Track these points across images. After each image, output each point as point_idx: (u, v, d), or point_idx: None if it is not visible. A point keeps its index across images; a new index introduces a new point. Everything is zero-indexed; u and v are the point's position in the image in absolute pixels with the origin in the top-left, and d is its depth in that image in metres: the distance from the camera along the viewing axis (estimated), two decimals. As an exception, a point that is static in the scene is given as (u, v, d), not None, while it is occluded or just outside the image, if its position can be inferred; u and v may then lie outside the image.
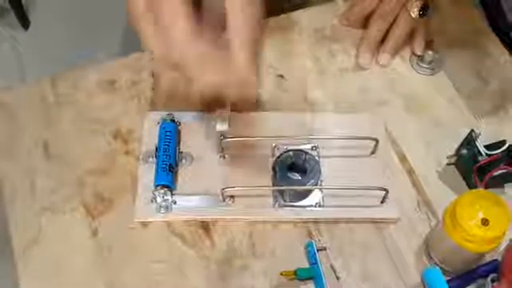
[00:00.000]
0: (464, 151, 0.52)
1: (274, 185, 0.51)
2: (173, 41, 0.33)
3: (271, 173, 0.52)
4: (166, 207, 0.50)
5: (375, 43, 0.59)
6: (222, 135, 0.53)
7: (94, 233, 0.50)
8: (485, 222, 0.43)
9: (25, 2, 1.42)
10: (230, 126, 0.54)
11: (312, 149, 0.53)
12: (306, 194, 0.51)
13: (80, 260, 0.48)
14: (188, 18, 0.32)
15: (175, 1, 0.32)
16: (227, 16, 0.33)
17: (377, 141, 0.52)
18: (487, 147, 0.51)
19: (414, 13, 0.58)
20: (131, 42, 0.52)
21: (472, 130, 0.52)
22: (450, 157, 0.53)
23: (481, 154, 0.51)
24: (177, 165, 0.52)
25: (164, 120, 0.54)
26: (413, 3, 0.58)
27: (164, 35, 0.33)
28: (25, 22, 1.41)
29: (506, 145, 0.50)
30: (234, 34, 0.33)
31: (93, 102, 0.56)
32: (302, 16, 0.63)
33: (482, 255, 0.47)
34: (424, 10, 0.58)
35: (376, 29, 0.59)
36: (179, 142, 0.53)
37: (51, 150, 0.54)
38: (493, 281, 0.47)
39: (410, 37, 0.60)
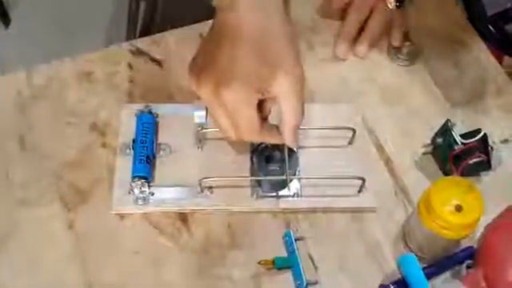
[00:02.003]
0: (440, 140, 0.52)
1: (252, 175, 0.51)
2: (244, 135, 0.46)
3: (249, 163, 0.52)
4: (144, 199, 0.50)
5: (352, 34, 0.60)
6: (200, 126, 0.53)
7: (71, 225, 0.49)
8: (458, 208, 0.44)
9: (5, -1, 1.40)
10: (207, 117, 0.54)
11: (290, 139, 0.53)
12: (284, 184, 0.51)
13: (57, 252, 0.48)
14: (257, 122, 0.45)
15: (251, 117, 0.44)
16: (282, 109, 0.45)
17: (354, 131, 0.53)
18: (463, 136, 0.51)
19: (391, 4, 0.58)
20: (111, 40, 0.52)
21: (448, 120, 0.52)
22: (427, 146, 0.54)
23: (456, 143, 0.51)
24: (154, 156, 0.52)
25: (141, 112, 0.53)
26: None
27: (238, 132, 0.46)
28: (5, 20, 1.39)
29: (481, 133, 0.51)
30: (285, 124, 0.46)
31: (69, 94, 0.56)
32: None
33: (457, 242, 0.48)
34: (401, 1, 0.58)
35: (353, 20, 0.59)
36: (157, 134, 0.53)
37: (27, 143, 0.53)
38: (468, 267, 0.47)
39: (387, 28, 0.60)
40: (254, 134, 0.46)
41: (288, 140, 0.47)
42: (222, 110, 0.44)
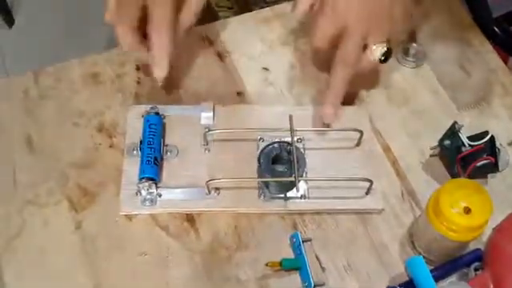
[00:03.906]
0: (447, 142, 0.52)
1: (259, 177, 0.51)
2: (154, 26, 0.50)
3: (256, 165, 0.52)
4: (151, 200, 0.50)
5: (340, 97, 0.52)
6: (207, 128, 0.53)
7: (78, 226, 0.49)
8: (467, 210, 0.44)
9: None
10: (214, 118, 0.54)
11: (297, 141, 0.53)
12: (291, 185, 0.51)
13: (64, 253, 0.48)
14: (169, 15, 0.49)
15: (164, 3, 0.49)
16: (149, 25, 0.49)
17: (361, 133, 0.53)
18: (470, 138, 0.51)
19: (376, 58, 0.51)
20: (115, 41, 0.52)
21: (455, 122, 0.52)
22: (434, 148, 0.54)
23: (464, 145, 0.51)
24: (162, 158, 0.52)
25: (148, 113, 0.53)
26: (377, 47, 0.51)
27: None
28: (9, 20, 1.40)
29: (489, 135, 0.51)
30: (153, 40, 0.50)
31: (76, 95, 0.56)
32: (287, 8, 0.63)
33: (465, 244, 0.47)
34: (387, 55, 0.51)
35: (339, 78, 0.52)
36: (164, 135, 0.53)
37: (34, 144, 0.53)
38: (476, 269, 0.47)
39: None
40: (163, 28, 0.49)
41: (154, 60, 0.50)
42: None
